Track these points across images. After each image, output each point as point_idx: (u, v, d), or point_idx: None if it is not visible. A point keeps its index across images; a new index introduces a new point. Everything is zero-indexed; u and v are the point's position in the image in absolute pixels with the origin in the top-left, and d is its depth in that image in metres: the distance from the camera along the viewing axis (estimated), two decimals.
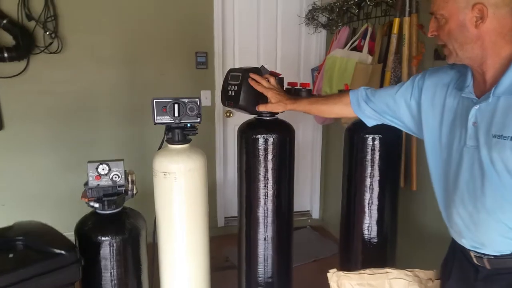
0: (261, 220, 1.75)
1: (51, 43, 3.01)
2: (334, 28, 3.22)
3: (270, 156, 1.69)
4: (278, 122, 1.75)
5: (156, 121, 1.76)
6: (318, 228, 3.80)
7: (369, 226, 1.78)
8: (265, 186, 1.71)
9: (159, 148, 1.87)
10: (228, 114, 3.57)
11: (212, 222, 3.59)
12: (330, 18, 3.28)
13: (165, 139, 1.84)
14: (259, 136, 1.68)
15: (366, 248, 1.81)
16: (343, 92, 1.57)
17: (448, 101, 1.20)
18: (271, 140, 1.68)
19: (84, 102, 3.22)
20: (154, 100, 1.75)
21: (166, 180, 1.75)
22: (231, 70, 1.73)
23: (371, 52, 2.78)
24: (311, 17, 3.43)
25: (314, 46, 3.65)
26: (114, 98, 3.28)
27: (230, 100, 1.67)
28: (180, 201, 1.77)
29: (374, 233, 1.78)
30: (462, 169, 1.13)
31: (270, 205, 1.73)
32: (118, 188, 1.67)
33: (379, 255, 1.83)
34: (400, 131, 1.75)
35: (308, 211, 3.97)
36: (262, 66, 1.69)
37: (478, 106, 1.09)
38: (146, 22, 3.24)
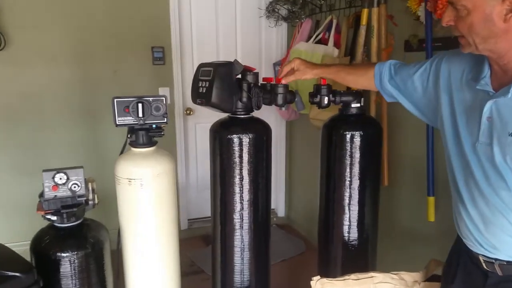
0: (237, 226, 1.62)
1: None
2: (297, 20, 3.13)
3: (246, 158, 1.56)
4: (253, 120, 1.62)
5: (117, 123, 1.59)
6: (284, 226, 3.72)
7: (349, 227, 1.70)
8: (241, 190, 1.58)
9: (122, 152, 1.69)
10: (188, 112, 3.40)
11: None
12: (292, 10, 3.18)
13: (128, 142, 1.66)
14: (234, 136, 1.54)
15: (346, 250, 1.73)
16: (370, 63, 1.47)
17: (461, 91, 1.10)
18: (246, 140, 1.55)
19: (33, 102, 2.95)
20: (115, 100, 1.58)
21: (131, 187, 1.58)
22: (201, 65, 1.58)
23: (337, 45, 2.72)
24: (271, 9, 3.32)
25: (275, 40, 3.55)
26: (65, 98, 3.02)
27: (201, 97, 1.53)
28: (147, 210, 1.61)
29: (354, 234, 1.70)
30: (474, 165, 1.06)
31: (246, 210, 1.60)
32: (78, 199, 1.49)
33: (360, 258, 1.75)
34: (381, 126, 1.71)
35: (273, 209, 3.88)
36: (235, 60, 1.56)
37: (495, 100, 1.00)
38: (97, 16, 3.00)
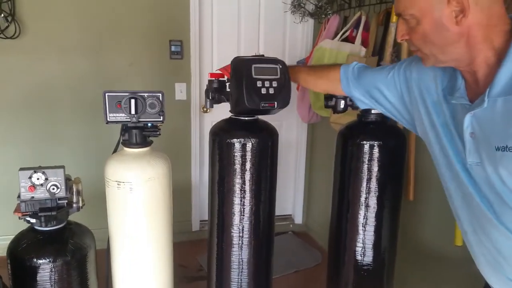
0: (235, 241, 1.45)
1: (7, 27, 2.67)
2: (323, 16, 2.92)
3: (248, 165, 1.39)
4: (258, 123, 1.45)
5: (108, 119, 1.45)
6: (300, 234, 3.52)
7: (363, 249, 1.49)
8: (241, 201, 1.41)
9: (114, 152, 1.55)
10: (205, 109, 3.24)
11: (186, 226, 3.29)
12: (319, 5, 2.98)
13: (121, 140, 1.52)
14: (235, 140, 1.37)
15: (359, 275, 1.53)
16: (333, 65, 1.34)
17: (438, 103, 0.98)
18: (249, 145, 1.38)
19: (43, 94, 2.87)
20: (106, 94, 1.43)
21: (120, 191, 1.43)
22: (248, 61, 1.36)
23: (364, 43, 2.50)
24: (297, 4, 3.12)
25: (300, 37, 3.34)
26: (76, 91, 2.92)
27: (270, 100, 1.33)
28: (137, 216, 1.46)
29: (368, 258, 1.50)
30: (472, 190, 0.91)
31: (246, 223, 1.43)
32: (59, 201, 1.35)
33: (374, 284, 1.55)
34: (405, 136, 1.49)
35: (290, 215, 3.68)
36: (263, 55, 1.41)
37: (472, 112, 0.86)
38: (114, 7, 2.88)
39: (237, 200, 1.42)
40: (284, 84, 1.33)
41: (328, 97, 1.42)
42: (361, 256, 1.49)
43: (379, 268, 1.52)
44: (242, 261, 1.47)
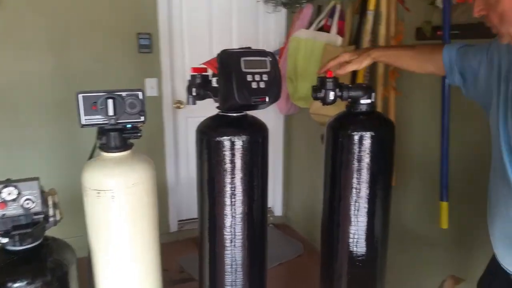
0: (228, 243, 1.38)
1: None
2: (297, 6, 2.87)
3: (239, 164, 1.32)
4: (248, 119, 1.38)
5: (83, 122, 1.34)
6: (281, 226, 3.49)
7: (356, 241, 1.46)
8: (232, 202, 1.34)
9: (90, 157, 1.45)
10: (178, 105, 3.14)
11: (163, 227, 3.17)
12: None
13: (98, 145, 1.42)
14: (224, 138, 1.29)
15: (353, 267, 1.49)
16: (434, 46, 1.27)
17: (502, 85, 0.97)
18: (239, 142, 1.30)
19: (2, 95, 2.66)
20: (80, 95, 1.33)
21: (101, 200, 1.34)
22: (233, 54, 1.27)
23: (340, 32, 2.46)
24: None
25: (273, 27, 3.27)
26: (37, 91, 2.72)
27: (261, 94, 1.25)
28: (120, 226, 1.37)
29: (362, 249, 1.46)
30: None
31: (239, 225, 1.36)
32: (34, 217, 1.24)
33: (368, 275, 1.52)
34: (394, 126, 1.46)
35: (270, 208, 3.65)
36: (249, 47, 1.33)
37: None
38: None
39: (228, 201, 1.35)
40: (274, 77, 1.26)
41: (317, 88, 1.37)
42: (354, 247, 1.46)
43: (372, 258, 1.49)
44: (236, 263, 1.40)
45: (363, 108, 1.40)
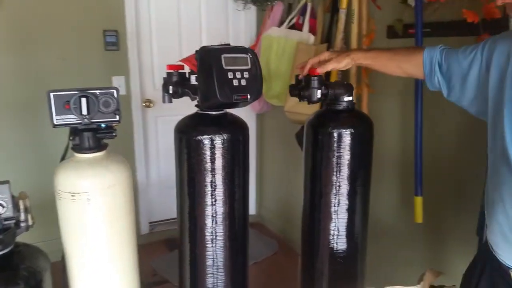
0: (209, 244, 1.35)
1: None
2: (268, 3, 2.86)
3: (219, 163, 1.29)
4: (228, 117, 1.35)
5: (55, 122, 1.28)
6: (254, 225, 3.48)
7: (337, 237, 1.47)
8: (213, 202, 1.31)
9: (62, 159, 1.38)
10: (147, 104, 3.06)
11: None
12: None
13: (70, 146, 1.35)
14: (204, 137, 1.26)
15: (334, 264, 1.50)
16: (415, 48, 1.27)
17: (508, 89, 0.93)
18: (219, 141, 1.28)
19: None
20: (51, 94, 1.26)
21: (75, 203, 1.27)
22: (214, 51, 1.24)
23: (312, 30, 2.48)
24: None
25: (243, 25, 3.25)
26: (4, 91, 2.59)
27: (243, 92, 1.22)
28: (96, 230, 1.31)
29: (342, 245, 1.47)
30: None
31: (221, 225, 1.34)
32: (5, 222, 1.17)
33: (349, 271, 1.53)
34: (372, 123, 1.47)
35: None
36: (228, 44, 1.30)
37: None
38: None
39: (209, 201, 1.32)
40: (256, 75, 1.25)
41: (302, 87, 1.36)
42: (335, 244, 1.47)
43: (353, 254, 1.50)
44: (218, 265, 1.38)
45: (343, 106, 1.41)
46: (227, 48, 1.24)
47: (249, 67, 1.24)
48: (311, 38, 2.43)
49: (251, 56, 1.25)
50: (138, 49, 2.95)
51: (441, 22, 1.66)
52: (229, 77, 1.21)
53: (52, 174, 1.32)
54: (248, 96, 1.24)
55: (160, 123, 3.15)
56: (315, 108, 2.31)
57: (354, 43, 2.11)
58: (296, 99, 1.43)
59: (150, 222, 3.27)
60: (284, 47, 2.53)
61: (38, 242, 1.36)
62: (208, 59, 1.21)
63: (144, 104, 3.05)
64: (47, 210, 1.49)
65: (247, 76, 1.23)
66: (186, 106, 1.40)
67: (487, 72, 1.00)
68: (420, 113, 1.70)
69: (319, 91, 1.32)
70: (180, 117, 1.38)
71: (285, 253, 3.03)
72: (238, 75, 1.22)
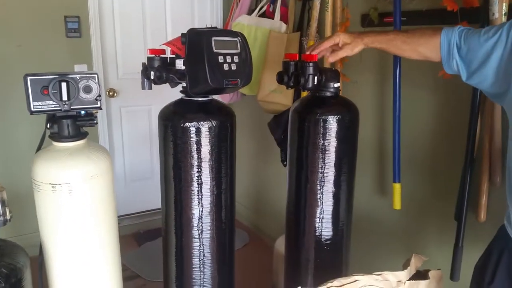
0: (196, 235, 1.32)
1: None
2: None
3: (206, 150, 1.26)
4: (214, 103, 1.32)
5: (33, 109, 1.20)
6: None
7: (322, 224, 1.48)
8: (199, 191, 1.28)
9: (39, 149, 1.30)
10: (111, 93, 2.94)
11: None
12: None
13: (48, 134, 1.27)
14: (191, 124, 1.23)
15: (320, 251, 1.51)
16: (432, 30, 1.19)
17: None
18: (206, 128, 1.25)
19: None
20: (28, 78, 1.18)
21: (56, 195, 1.20)
22: (204, 34, 1.18)
23: (283, 19, 2.47)
24: None
25: (209, 12, 3.19)
26: None
27: (233, 77, 1.18)
28: (78, 223, 1.24)
29: (328, 233, 1.49)
30: None
31: (208, 216, 1.31)
32: None
33: (334, 259, 1.55)
34: (358, 110, 1.49)
35: None
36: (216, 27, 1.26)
37: None
38: None
39: (195, 190, 1.29)
40: (245, 59, 1.22)
41: (297, 74, 1.34)
42: (321, 231, 1.48)
43: (338, 241, 1.52)
44: (205, 256, 1.35)
45: (330, 92, 1.41)
46: (217, 31, 1.21)
47: (238, 51, 1.21)
48: (283, 26, 2.42)
49: (240, 39, 1.22)
50: (101, 36, 2.82)
51: (417, 11, 1.70)
52: (220, 61, 1.17)
53: (24, 165, 1.24)
54: (239, 81, 1.21)
55: (124, 114, 3.03)
56: (289, 96, 2.32)
57: (328, 32, 2.12)
58: (269, 87, 1.42)
59: (119, 216, 3.13)
60: (255, 35, 2.51)
61: (12, 237, 1.28)
62: (199, 42, 1.17)
63: (107, 94, 2.93)
64: (21, 203, 1.39)
65: (237, 60, 1.20)
66: (152, 96, 1.34)
67: (511, 54, 0.98)
68: (398, 99, 1.73)
69: (315, 77, 1.31)
70: (146, 107, 1.34)
71: (256, 244, 3.03)
72: (228, 59, 1.19)
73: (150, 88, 1.37)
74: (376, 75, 1.98)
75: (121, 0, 2.88)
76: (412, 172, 1.86)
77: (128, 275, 2.61)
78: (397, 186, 1.82)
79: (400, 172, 1.80)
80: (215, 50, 1.17)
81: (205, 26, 1.30)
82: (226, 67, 1.18)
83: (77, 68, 2.75)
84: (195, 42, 1.18)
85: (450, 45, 1.11)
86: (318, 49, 1.30)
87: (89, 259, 1.29)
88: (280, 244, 2.08)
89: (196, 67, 1.18)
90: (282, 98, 2.27)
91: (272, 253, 2.34)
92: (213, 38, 1.17)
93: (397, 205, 1.84)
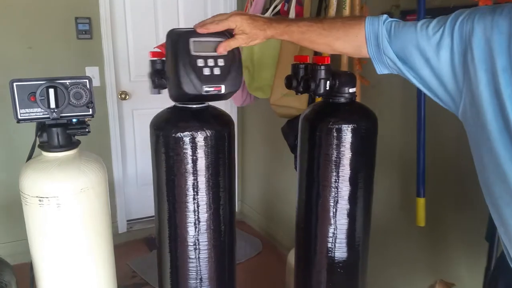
0: (192, 255, 1.21)
1: None
2: None
3: (202, 163, 1.14)
4: (211, 110, 1.20)
5: (19, 117, 1.12)
6: (237, 222, 3.32)
7: (335, 245, 1.34)
8: (196, 208, 1.17)
9: (29, 158, 1.21)
10: (123, 96, 2.88)
11: (112, 229, 2.92)
12: None
13: (37, 143, 1.18)
14: (184, 133, 1.11)
15: (332, 273, 1.37)
16: (354, 18, 0.99)
17: (508, 73, 0.75)
18: (202, 138, 1.13)
19: None
20: (14, 84, 1.10)
21: (43, 209, 1.11)
22: (181, 34, 1.06)
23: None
24: None
25: (223, 12, 3.08)
26: None
27: (216, 82, 1.05)
28: (66, 239, 1.15)
29: (342, 254, 1.34)
30: None
31: (204, 234, 1.19)
32: None
33: (348, 279, 1.41)
34: (376, 118, 1.35)
35: None
36: None
37: None
38: None
39: (191, 207, 1.17)
40: (233, 63, 1.07)
41: (307, 78, 1.21)
42: (334, 251, 1.35)
43: (353, 263, 1.38)
44: (202, 277, 1.24)
45: (344, 98, 1.28)
46: (186, 32, 1.06)
47: (224, 53, 1.07)
48: None
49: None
50: (112, 37, 2.76)
51: (444, 7, 1.55)
52: (199, 65, 1.04)
53: (18, 172, 1.16)
54: (223, 88, 1.07)
55: (136, 116, 2.98)
56: (302, 100, 2.19)
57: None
58: (282, 91, 1.29)
59: (128, 220, 3.09)
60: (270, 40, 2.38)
61: (2, 244, 1.20)
62: (175, 43, 1.05)
63: (119, 96, 2.87)
64: (12, 210, 1.31)
65: (222, 64, 1.06)
66: (166, 98, 1.24)
67: (461, 63, 0.82)
68: (423, 106, 1.58)
69: (327, 82, 1.18)
70: (158, 110, 1.22)
71: (269, 253, 2.91)
72: (210, 62, 1.05)
73: (158, 92, 1.25)
74: (400, 77, 1.82)
75: (133, 1, 2.81)
76: (438, 186, 1.70)
77: (136, 282, 2.54)
78: (421, 201, 1.66)
79: (424, 186, 1.64)
80: (193, 53, 1.04)
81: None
82: (206, 71, 1.05)
83: (88, 70, 2.70)
84: (173, 43, 1.06)
85: (379, 38, 0.93)
86: (206, 29, 1.04)
87: (81, 276, 1.20)
88: (293, 257, 1.96)
89: (173, 71, 1.06)
90: (296, 102, 2.14)
91: (285, 263, 2.22)
92: (191, 39, 1.04)
93: (421, 221, 1.68)
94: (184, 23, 2.99)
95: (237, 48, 1.10)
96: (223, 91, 1.07)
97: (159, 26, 2.93)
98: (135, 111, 2.96)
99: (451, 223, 1.69)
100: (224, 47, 1.04)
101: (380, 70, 0.98)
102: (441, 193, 1.71)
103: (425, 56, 0.86)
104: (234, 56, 1.08)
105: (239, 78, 1.10)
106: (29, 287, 1.25)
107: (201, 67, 1.04)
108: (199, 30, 1.04)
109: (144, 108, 2.90)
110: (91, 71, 2.71)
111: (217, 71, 1.06)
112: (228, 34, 1.07)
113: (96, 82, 2.73)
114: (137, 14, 2.85)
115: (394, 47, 0.92)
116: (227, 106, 3.17)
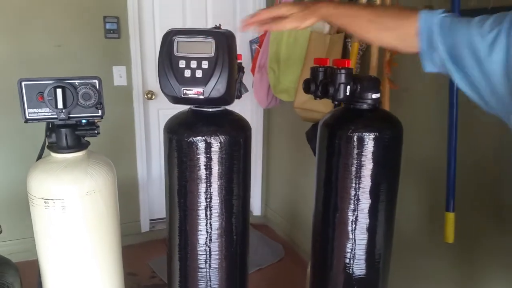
0: (202, 265, 1.16)
1: None
2: None
3: (216, 170, 1.09)
4: (227, 115, 1.14)
5: (27, 116, 1.10)
6: (260, 227, 3.28)
7: (353, 260, 1.26)
8: (208, 215, 1.12)
9: (39, 158, 1.19)
10: (149, 95, 2.87)
11: (134, 228, 2.94)
12: None
13: (46, 144, 1.16)
14: (198, 138, 1.06)
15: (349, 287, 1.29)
16: (407, 9, 0.90)
17: None
18: (217, 144, 1.07)
19: None
20: (23, 83, 1.07)
21: (49, 211, 1.09)
22: (174, 33, 1.01)
23: None
24: None
25: (251, 8, 3.02)
26: None
27: (197, 85, 1.00)
28: (71, 243, 1.12)
29: (361, 271, 1.26)
30: None
31: (216, 243, 1.14)
32: None
33: None
34: (402, 126, 1.25)
35: None
36: (220, 25, 1.07)
37: None
38: None
39: (203, 214, 1.12)
40: (220, 65, 1.00)
41: (326, 83, 1.14)
42: (352, 268, 1.26)
43: (373, 281, 1.29)
44: (211, 287, 1.18)
45: (367, 105, 1.19)
46: (188, 30, 1.01)
47: (211, 54, 1.00)
48: (326, 26, 2.21)
49: (217, 41, 1.00)
50: (140, 36, 2.76)
51: (481, 8, 1.43)
52: (180, 66, 0.99)
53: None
54: (204, 91, 1.01)
55: (162, 116, 2.97)
56: (328, 104, 2.10)
57: None
58: (306, 94, 1.22)
59: (151, 220, 3.09)
60: (296, 36, 2.31)
61: (8, 241, 1.19)
62: (163, 43, 1.01)
63: (146, 96, 2.86)
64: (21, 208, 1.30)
65: (206, 66, 1.00)
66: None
67: None
68: (455, 114, 1.46)
69: (348, 87, 1.10)
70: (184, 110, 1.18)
71: (292, 259, 2.83)
72: (193, 64, 1.00)
73: None
74: (433, 82, 1.71)
75: (161, 0, 2.80)
76: (469, 200, 1.57)
77: (155, 283, 2.52)
78: (450, 216, 1.54)
79: (454, 200, 1.52)
80: (176, 53, 0.99)
81: (214, 26, 1.11)
82: (187, 73, 1.00)
83: (115, 69, 2.72)
84: (162, 43, 1.02)
85: (432, 33, 0.84)
86: (254, 20, 0.98)
87: (85, 280, 1.17)
88: None
89: (158, 71, 1.02)
90: (321, 105, 2.06)
91: (306, 272, 2.14)
92: (176, 39, 0.99)
93: (450, 238, 1.56)
94: (212, 22, 2.95)
95: (230, 51, 1.02)
96: (204, 95, 1.02)
97: (187, 25, 2.90)
98: (161, 111, 2.96)
99: (486, 242, 1.55)
100: (277, 27, 0.98)
101: (428, 67, 0.89)
102: (473, 208, 1.58)
103: (477, 55, 0.77)
104: (223, 59, 1.01)
105: (230, 82, 1.03)
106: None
107: (182, 69, 1.00)
108: (245, 28, 1.00)
109: (169, 108, 2.86)
110: (118, 71, 2.72)
111: (198, 73, 1.01)
112: (222, 34, 1.01)
113: (123, 82, 2.74)
114: (165, 13, 2.83)
115: (446, 43, 0.83)
116: (252, 107, 3.12)
